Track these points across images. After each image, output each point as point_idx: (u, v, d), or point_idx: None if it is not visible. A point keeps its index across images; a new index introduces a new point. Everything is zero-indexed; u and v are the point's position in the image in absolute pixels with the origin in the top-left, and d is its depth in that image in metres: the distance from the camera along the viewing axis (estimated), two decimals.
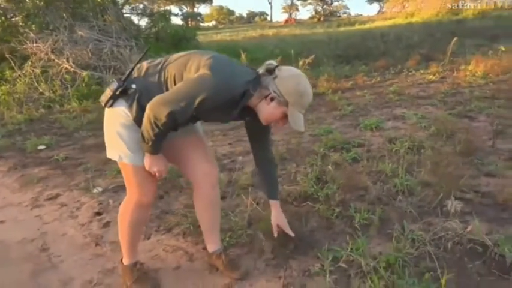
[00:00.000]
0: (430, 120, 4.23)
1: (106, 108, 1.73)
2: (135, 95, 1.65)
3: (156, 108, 1.51)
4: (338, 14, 63.58)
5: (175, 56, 1.69)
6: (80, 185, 3.45)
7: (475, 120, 4.26)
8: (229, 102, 1.56)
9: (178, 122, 1.55)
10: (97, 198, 3.14)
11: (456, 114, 4.44)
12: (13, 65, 7.10)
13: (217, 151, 3.92)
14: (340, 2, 67.56)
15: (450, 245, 2.10)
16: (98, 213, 2.91)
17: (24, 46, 7.14)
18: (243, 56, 7.10)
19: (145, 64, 1.73)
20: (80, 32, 7.55)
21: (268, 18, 78.43)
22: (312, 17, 65.20)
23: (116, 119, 1.70)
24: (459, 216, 2.32)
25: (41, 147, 4.61)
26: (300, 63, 7.10)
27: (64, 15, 8.02)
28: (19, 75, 7.00)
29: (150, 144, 1.62)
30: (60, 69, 7.10)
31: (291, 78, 1.61)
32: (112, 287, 2.07)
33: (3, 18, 8.04)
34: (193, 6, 68.67)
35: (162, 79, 1.64)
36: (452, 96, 5.33)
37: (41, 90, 6.82)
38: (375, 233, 2.29)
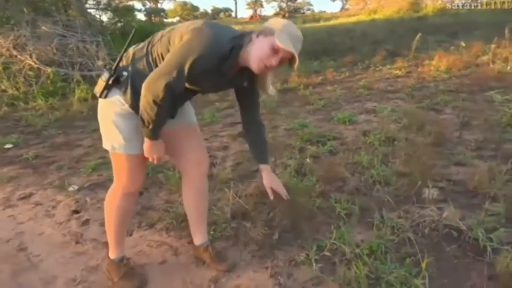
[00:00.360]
0: (400, 113, 4.37)
1: (100, 100, 1.72)
2: (128, 81, 1.65)
3: (151, 86, 1.51)
4: (302, 11, 64.17)
5: (159, 34, 1.68)
6: (53, 183, 3.36)
7: (442, 113, 4.44)
8: (219, 61, 1.54)
9: (175, 92, 1.53)
10: (73, 197, 3.07)
11: (424, 107, 4.61)
12: None
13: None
14: None
15: (427, 231, 2.20)
16: (76, 212, 2.85)
17: None
18: None
19: (131, 50, 1.73)
20: (43, 27, 7.29)
21: (233, 14, 78.18)
22: (276, 14, 65.49)
23: (111, 109, 1.69)
24: (434, 203, 2.43)
25: (8, 146, 4.45)
26: None
27: (25, 9, 7.71)
28: None
29: (150, 127, 1.59)
30: (23, 66, 6.84)
31: (275, 18, 1.63)
32: (97, 284, 2.04)
33: None
34: (156, 2, 67.51)
35: (151, 60, 1.64)
36: (419, 90, 5.52)
37: (3, 88, 6.56)
38: (356, 222, 2.36)
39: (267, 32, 1.54)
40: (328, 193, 2.70)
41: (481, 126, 3.82)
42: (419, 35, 7.80)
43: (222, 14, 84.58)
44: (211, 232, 2.34)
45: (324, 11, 63.95)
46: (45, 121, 5.30)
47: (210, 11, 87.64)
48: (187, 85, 1.61)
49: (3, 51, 6.91)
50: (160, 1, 68.67)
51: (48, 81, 6.73)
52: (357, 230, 2.29)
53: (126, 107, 1.67)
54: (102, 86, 1.67)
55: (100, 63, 7.18)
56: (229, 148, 3.83)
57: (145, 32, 10.29)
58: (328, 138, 3.79)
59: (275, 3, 68.07)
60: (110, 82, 1.66)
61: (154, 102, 1.52)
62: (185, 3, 79.42)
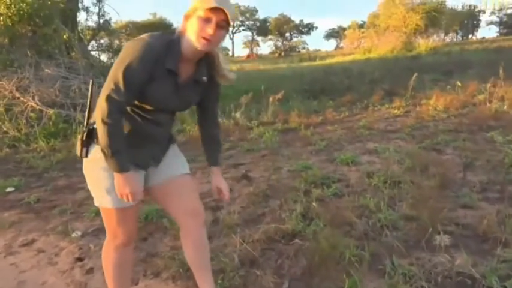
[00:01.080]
0: (402, 154, 4.40)
1: (83, 160, 1.72)
2: None
3: (97, 106, 1.54)
4: (298, 49, 65.67)
5: None
6: (56, 228, 3.31)
7: (444, 153, 4.47)
8: (158, 61, 1.52)
9: (121, 105, 1.52)
10: (77, 243, 3.02)
11: (425, 148, 4.65)
12: None
13: (198, 189, 3.89)
14: (299, 37, 69.86)
15: (440, 278, 2.16)
16: (79, 259, 2.80)
17: None
18: None
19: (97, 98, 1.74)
20: (46, 70, 7.41)
21: (230, 53, 79.83)
22: (272, 52, 66.99)
23: (95, 166, 1.68)
24: (445, 249, 2.40)
25: (10, 189, 4.41)
26: (270, 99, 7.25)
27: (29, 52, 7.85)
28: None
29: (109, 154, 1.55)
30: (26, 107, 6.90)
31: None
32: None
33: None
34: None
35: None
36: (418, 130, 5.58)
37: (5, 129, 6.58)
38: (367, 269, 2.32)
39: (191, 13, 1.54)
40: (336, 238, 2.67)
41: (484, 167, 3.84)
42: (415, 75, 7.98)
43: None
44: (219, 281, 2.29)
45: (319, 50, 65.48)
46: (47, 163, 5.28)
47: None
48: (141, 102, 1.59)
49: (6, 93, 6.99)
50: None
51: (50, 123, 6.76)
52: (368, 278, 2.25)
53: None
54: (80, 146, 1.67)
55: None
56: (233, 191, 3.81)
57: None
58: (333, 180, 3.79)
59: (271, 42, 69.79)
60: (84, 138, 1.66)
61: (102, 121, 1.51)
62: (225, 37, 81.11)
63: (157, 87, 1.57)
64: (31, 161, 5.43)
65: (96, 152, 1.65)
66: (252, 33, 72.81)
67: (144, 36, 1.55)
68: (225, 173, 4.40)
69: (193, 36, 1.52)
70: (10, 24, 7.70)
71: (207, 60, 1.69)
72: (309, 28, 69.03)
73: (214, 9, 1.47)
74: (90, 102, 1.69)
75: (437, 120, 6.06)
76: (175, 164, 1.89)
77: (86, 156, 1.68)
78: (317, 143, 5.24)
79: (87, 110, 1.70)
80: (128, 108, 1.62)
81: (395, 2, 29.22)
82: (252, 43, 73.86)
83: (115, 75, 1.50)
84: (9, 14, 7.58)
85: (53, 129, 6.71)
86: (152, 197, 1.91)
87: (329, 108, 7.51)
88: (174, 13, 79.37)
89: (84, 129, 1.67)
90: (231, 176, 4.23)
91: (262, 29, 68.61)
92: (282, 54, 55.20)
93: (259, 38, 73.24)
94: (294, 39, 69.55)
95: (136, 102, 1.61)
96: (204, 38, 1.50)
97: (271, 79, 12.36)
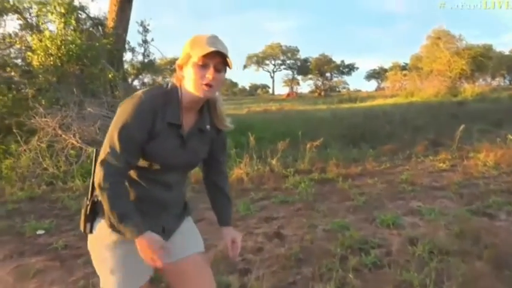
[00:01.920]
0: (449, 217, 4.05)
1: (88, 236, 1.59)
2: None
3: (95, 174, 1.45)
4: (338, 89, 65.70)
5: None
6: (78, 283, 3.19)
7: (496, 219, 4.08)
8: (156, 116, 1.45)
9: (117, 167, 1.41)
10: None
11: (475, 212, 4.27)
12: (19, 139, 7.05)
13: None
14: (339, 77, 70.04)
15: None
16: None
17: (32, 121, 7.15)
18: (251, 138, 7.10)
19: None
20: (89, 109, 7.60)
21: (270, 91, 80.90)
22: (312, 91, 67.32)
23: (99, 243, 1.56)
24: None
25: (40, 232, 4.38)
26: (308, 146, 7.06)
27: (75, 90, 8.12)
28: (24, 150, 6.93)
29: (117, 220, 1.42)
30: (66, 145, 7.05)
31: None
32: None
33: (14, 92, 8.14)
34: None
35: None
36: (466, 188, 5.19)
37: (45, 166, 6.71)
38: None
39: (185, 61, 1.48)
40: None
41: None
42: (462, 126, 7.56)
43: (259, 90, 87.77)
44: None
45: (359, 90, 65.21)
46: (80, 204, 5.27)
47: (248, 88, 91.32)
48: (146, 162, 1.49)
49: (49, 130, 7.18)
50: None
51: (88, 161, 6.84)
52: None
53: (114, 235, 1.52)
54: (83, 220, 1.56)
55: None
56: (263, 250, 3.59)
57: None
58: (372, 245, 3.50)
59: (311, 82, 70.29)
60: (88, 213, 1.55)
61: (100, 187, 1.41)
62: (225, 79, 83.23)
63: (160, 143, 1.47)
64: (65, 201, 5.45)
65: (101, 228, 1.54)
66: (293, 72, 73.85)
67: (138, 92, 1.47)
68: (257, 227, 4.19)
69: (192, 84, 1.45)
70: (59, 64, 8.03)
71: (208, 107, 1.60)
72: (350, 69, 69.21)
73: (210, 54, 1.41)
74: (94, 171, 1.55)
75: (487, 178, 5.64)
76: (190, 241, 1.74)
77: (91, 232, 1.56)
78: (356, 198, 4.95)
79: (91, 180, 1.57)
80: (131, 172, 1.51)
81: (439, 46, 28.80)
82: (292, 82, 74.70)
83: (111, 137, 1.42)
84: (59, 55, 7.91)
85: (90, 167, 6.76)
86: (161, 272, 1.74)
87: (369, 157, 7.22)
88: None
89: (88, 202, 1.56)
90: (263, 232, 4.01)
91: (303, 68, 69.45)
92: (322, 93, 55.27)
93: (299, 77, 74.08)
94: (335, 79, 69.82)
95: (141, 164, 1.50)
96: (204, 85, 1.44)
97: (310, 122, 12.21)
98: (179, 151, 1.54)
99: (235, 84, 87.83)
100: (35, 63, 8.07)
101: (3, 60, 9.25)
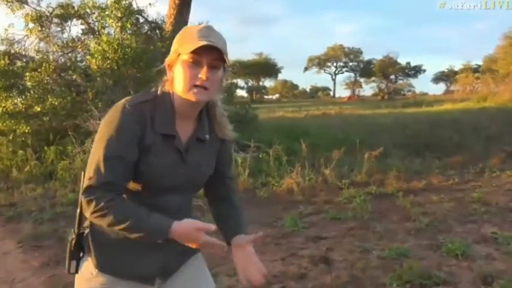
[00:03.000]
0: None
1: (75, 277, 1.32)
2: (89, 234, 1.28)
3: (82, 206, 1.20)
4: (403, 92, 63.09)
5: None
6: None
7: None
8: (145, 127, 1.19)
9: (105, 193, 1.14)
10: None
11: None
12: (73, 141, 7.18)
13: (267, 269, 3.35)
14: (404, 80, 67.25)
15: None
16: None
17: (87, 123, 7.24)
18: (303, 145, 6.70)
19: None
20: None
21: (331, 93, 79.53)
22: (375, 94, 65.33)
23: (87, 286, 1.28)
24: None
25: None
26: (366, 155, 6.51)
27: (131, 93, 8.16)
28: (78, 152, 7.03)
29: (136, 226, 1.14)
30: None
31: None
32: None
33: (74, 94, 8.35)
34: (258, 80, 71.67)
35: None
36: None
37: None
38: None
39: (174, 59, 1.22)
40: None
41: None
42: None
43: (320, 93, 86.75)
44: None
45: (426, 93, 61.99)
46: None
47: (308, 90, 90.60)
48: (136, 184, 1.23)
49: None
50: (262, 79, 72.95)
51: None
52: None
53: (102, 277, 1.25)
54: (68, 257, 1.30)
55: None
56: (307, 277, 3.18)
57: (237, 119, 10.41)
58: (436, 281, 2.97)
59: (374, 84, 68.20)
60: (73, 249, 1.28)
61: (95, 216, 1.15)
62: (285, 82, 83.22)
63: (153, 160, 1.20)
64: None
65: (87, 268, 1.27)
66: (355, 74, 72.16)
67: (122, 101, 1.21)
68: (302, 248, 3.79)
69: (182, 86, 1.20)
70: (116, 67, 8.11)
71: (207, 112, 1.34)
72: (416, 71, 66.30)
73: (202, 49, 1.14)
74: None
75: None
76: (198, 286, 1.41)
77: (76, 271, 1.29)
78: (418, 218, 4.38)
79: (78, 210, 1.29)
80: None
81: None
82: (354, 84, 73.04)
83: (95, 159, 1.16)
84: (116, 58, 7.99)
85: None
86: None
87: (434, 170, 6.52)
88: (279, 53, 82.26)
89: (73, 235, 1.29)
90: (309, 254, 3.60)
91: (366, 70, 67.68)
92: (385, 97, 53.33)
93: (362, 79, 72.29)
94: (399, 82, 67.20)
95: (133, 186, 1.22)
96: (196, 86, 1.18)
97: (370, 128, 11.51)
98: (178, 168, 1.26)
99: (295, 87, 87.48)
100: (93, 66, 8.24)
101: (66, 64, 9.62)
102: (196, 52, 1.15)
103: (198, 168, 1.31)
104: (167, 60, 1.24)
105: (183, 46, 1.18)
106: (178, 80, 1.20)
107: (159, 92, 1.26)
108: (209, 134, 1.33)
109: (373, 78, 67.32)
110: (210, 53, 1.16)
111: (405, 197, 5.18)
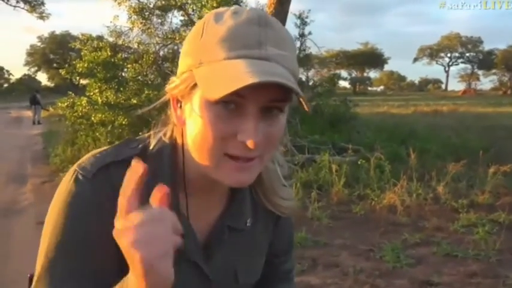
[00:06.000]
0: None
1: None
2: None
3: None
4: None
5: None
6: None
7: None
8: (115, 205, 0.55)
9: None
10: None
11: None
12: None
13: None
14: None
15: None
16: None
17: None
18: (411, 152, 5.73)
19: None
20: None
21: (443, 86, 73.45)
22: (495, 89, 59.06)
23: None
24: None
25: None
26: (491, 170, 5.33)
27: None
28: None
29: None
30: None
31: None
32: None
33: None
34: (362, 71, 68.89)
35: None
36: None
37: None
38: None
39: (187, 87, 0.59)
40: None
41: None
42: None
43: (430, 86, 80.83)
44: None
45: None
46: None
47: (417, 82, 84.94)
48: None
49: None
50: (367, 70, 70.07)
51: None
52: None
53: None
54: None
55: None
56: None
57: (335, 116, 9.60)
58: None
59: (494, 77, 61.53)
60: None
61: None
62: (392, 73, 78.99)
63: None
64: None
65: None
66: (472, 66, 65.74)
67: (82, 162, 0.65)
68: None
69: (203, 153, 0.59)
70: None
71: None
72: None
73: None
74: None
75: None
76: None
77: None
78: None
79: None
80: None
81: None
82: (470, 77, 66.72)
83: (39, 262, 0.64)
84: None
85: None
86: None
87: None
88: (387, 42, 78.46)
89: None
90: None
91: (486, 61, 61.21)
92: (508, 91, 47.53)
93: (480, 72, 65.71)
94: None
95: None
96: (233, 157, 0.58)
97: (494, 132, 9.88)
98: (193, 284, 0.69)
99: (403, 78, 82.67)
100: None
101: (165, 56, 9.66)
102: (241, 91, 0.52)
103: (233, 281, 0.74)
104: (172, 88, 0.63)
105: (207, 66, 0.57)
106: (194, 134, 0.60)
107: (152, 145, 0.68)
108: (253, 215, 0.75)
109: (493, 71, 60.72)
110: (266, 88, 0.53)
111: None
